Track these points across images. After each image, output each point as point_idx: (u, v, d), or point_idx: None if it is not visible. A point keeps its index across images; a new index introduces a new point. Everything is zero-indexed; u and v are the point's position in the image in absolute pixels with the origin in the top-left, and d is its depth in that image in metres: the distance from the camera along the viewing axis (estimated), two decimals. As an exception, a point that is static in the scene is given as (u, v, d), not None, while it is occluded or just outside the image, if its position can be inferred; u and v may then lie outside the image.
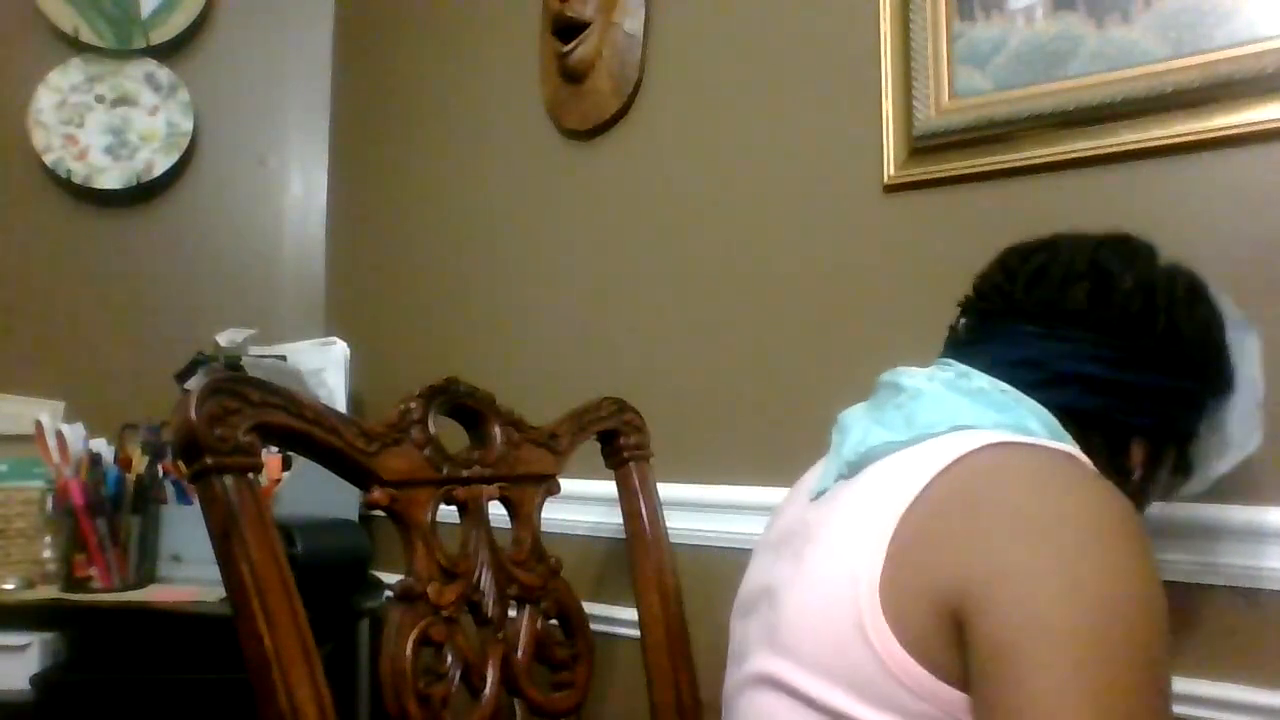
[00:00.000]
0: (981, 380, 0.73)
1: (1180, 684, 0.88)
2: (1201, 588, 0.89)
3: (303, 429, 0.82)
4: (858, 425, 0.75)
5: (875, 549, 0.63)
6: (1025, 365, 0.73)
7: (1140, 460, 0.75)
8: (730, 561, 1.17)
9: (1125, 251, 0.76)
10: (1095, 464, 0.69)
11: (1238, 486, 0.87)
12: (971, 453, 0.65)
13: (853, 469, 0.73)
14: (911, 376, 0.76)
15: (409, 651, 0.85)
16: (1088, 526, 0.59)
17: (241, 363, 1.69)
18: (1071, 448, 0.69)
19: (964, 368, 0.75)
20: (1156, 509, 0.88)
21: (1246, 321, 0.78)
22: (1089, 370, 0.72)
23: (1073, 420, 0.72)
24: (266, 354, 1.76)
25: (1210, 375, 0.76)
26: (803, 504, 0.79)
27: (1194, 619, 0.89)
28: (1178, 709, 0.88)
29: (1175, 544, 0.90)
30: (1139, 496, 0.76)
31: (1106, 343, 0.73)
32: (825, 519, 0.72)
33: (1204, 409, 0.76)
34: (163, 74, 2.00)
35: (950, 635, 0.59)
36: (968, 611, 0.58)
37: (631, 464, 1.16)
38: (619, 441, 1.17)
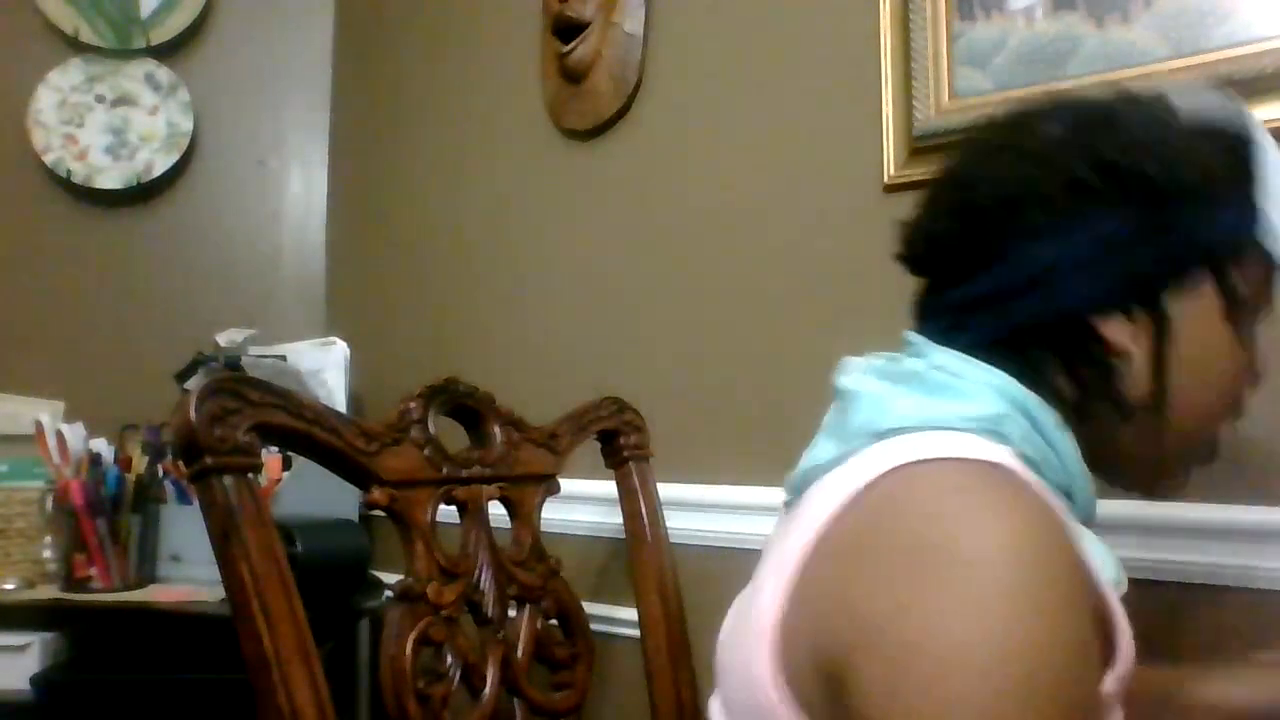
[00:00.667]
0: (913, 360, 0.61)
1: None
2: (1202, 588, 0.89)
3: (302, 429, 0.82)
4: (816, 438, 0.65)
5: (777, 591, 0.54)
6: (957, 310, 0.61)
7: (1127, 337, 0.57)
8: (730, 562, 1.17)
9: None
10: (1052, 389, 0.58)
11: (1238, 486, 0.87)
12: (879, 477, 0.53)
13: (794, 494, 0.64)
14: (848, 373, 0.64)
15: (409, 651, 0.85)
16: (984, 571, 0.45)
17: (241, 363, 1.69)
18: (1002, 451, 0.54)
19: (912, 342, 0.63)
20: (1156, 510, 0.88)
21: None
22: (993, 280, 0.59)
23: (1013, 353, 0.59)
24: (266, 354, 1.76)
25: (1184, 174, 0.57)
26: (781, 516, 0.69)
27: (1194, 619, 0.89)
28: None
29: (1175, 544, 0.90)
30: (1155, 386, 0.58)
31: (1012, 227, 0.59)
32: (768, 547, 0.64)
33: (1206, 208, 0.57)
34: (163, 74, 2.00)
35: (833, 698, 0.49)
36: (842, 676, 0.48)
37: (631, 464, 1.16)
38: (619, 441, 1.17)
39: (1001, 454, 0.53)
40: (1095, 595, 0.51)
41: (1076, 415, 0.59)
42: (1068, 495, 0.58)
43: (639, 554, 1.14)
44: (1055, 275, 0.57)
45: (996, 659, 0.43)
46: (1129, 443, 0.60)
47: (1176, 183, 0.57)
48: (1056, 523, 0.48)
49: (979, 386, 0.57)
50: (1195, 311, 0.58)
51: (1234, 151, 0.59)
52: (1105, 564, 0.55)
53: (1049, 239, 0.57)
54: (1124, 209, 0.57)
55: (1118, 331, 0.57)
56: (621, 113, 1.45)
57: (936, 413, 0.56)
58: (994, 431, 0.55)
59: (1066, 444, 0.58)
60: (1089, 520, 0.60)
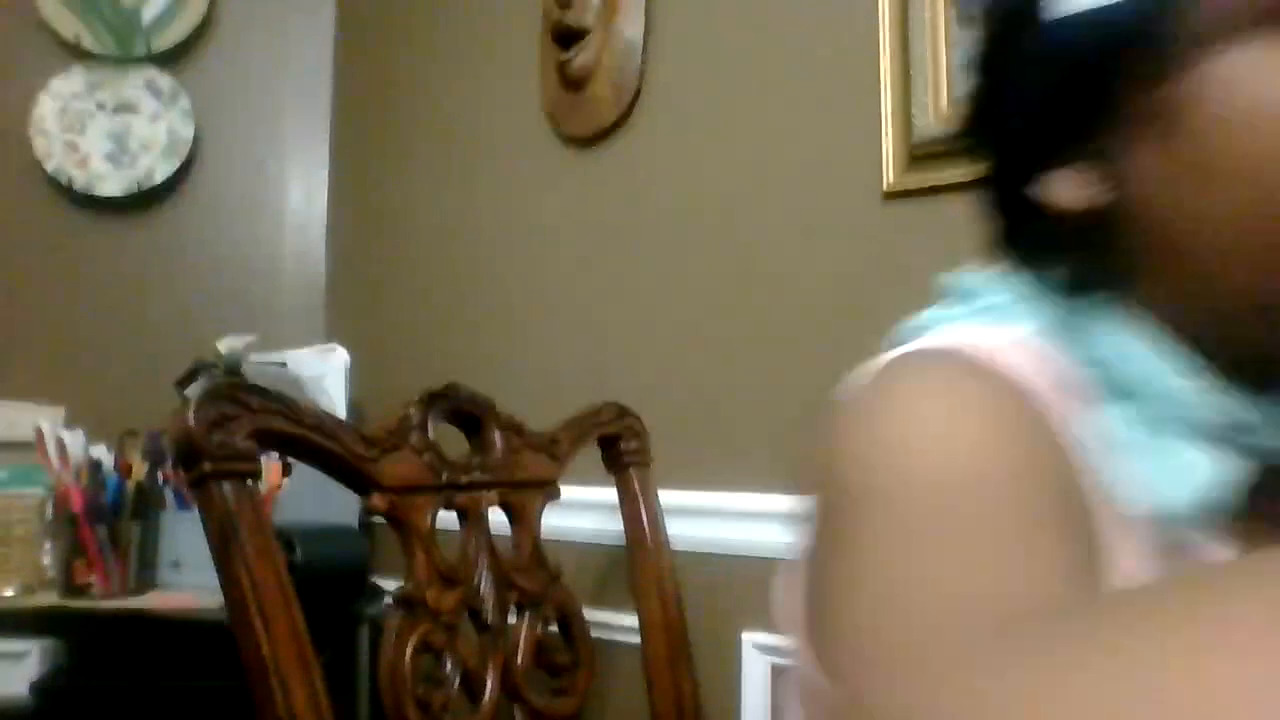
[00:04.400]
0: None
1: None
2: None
3: (302, 435, 0.82)
4: None
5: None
6: None
7: (1083, 183, 0.45)
8: (731, 568, 1.17)
9: None
10: (1065, 274, 0.46)
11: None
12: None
13: None
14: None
15: (408, 658, 0.85)
16: (871, 407, 0.41)
17: (242, 370, 1.69)
18: (966, 333, 0.47)
19: None
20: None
21: None
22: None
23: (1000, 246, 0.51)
24: (267, 361, 1.76)
25: None
26: None
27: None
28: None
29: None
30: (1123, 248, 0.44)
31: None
32: None
33: None
34: (164, 81, 2.00)
35: None
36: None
37: (632, 470, 1.16)
38: (619, 447, 1.17)
39: (984, 339, 0.45)
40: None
41: (1118, 287, 0.45)
42: (1148, 390, 0.43)
43: (639, 560, 1.13)
44: (992, 158, 0.50)
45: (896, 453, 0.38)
46: (1175, 293, 0.44)
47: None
48: (989, 405, 0.40)
49: (990, 284, 0.50)
50: (1139, 116, 0.43)
51: None
52: (1177, 477, 0.41)
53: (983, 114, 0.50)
54: (993, 60, 0.48)
55: (1053, 188, 0.46)
56: (621, 120, 1.45)
57: (950, 305, 0.51)
58: (998, 313, 0.48)
59: (1121, 326, 0.44)
60: (1205, 425, 0.42)
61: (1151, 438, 0.42)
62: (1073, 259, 0.46)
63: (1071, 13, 0.42)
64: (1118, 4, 0.41)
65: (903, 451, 0.38)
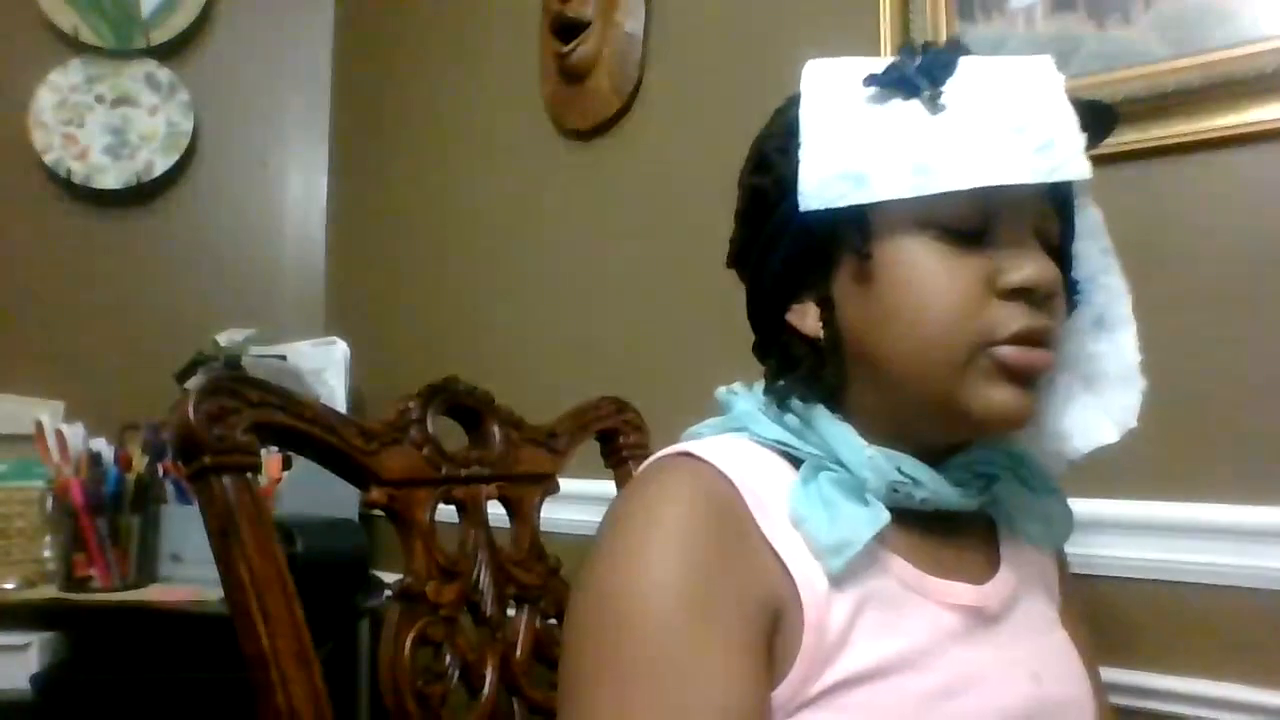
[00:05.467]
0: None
1: (1181, 684, 0.88)
2: (1202, 587, 0.89)
3: (301, 428, 0.82)
4: None
5: None
6: None
7: (815, 315, 0.64)
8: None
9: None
10: (778, 383, 0.66)
11: (1239, 487, 0.86)
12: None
13: None
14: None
15: (408, 651, 0.85)
16: (616, 526, 0.59)
17: (241, 362, 1.69)
18: (703, 441, 0.64)
19: None
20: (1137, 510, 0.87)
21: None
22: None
23: (765, 356, 0.71)
24: (266, 354, 1.76)
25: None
26: None
27: (1194, 619, 0.89)
28: (1180, 709, 0.88)
29: (1175, 544, 0.90)
30: (865, 362, 0.62)
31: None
32: None
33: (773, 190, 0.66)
34: (163, 74, 2.00)
35: None
36: None
37: (631, 464, 1.16)
38: (618, 441, 1.16)
39: (718, 445, 0.62)
40: (756, 573, 0.56)
41: (828, 393, 0.64)
42: (839, 463, 0.61)
43: (638, 554, 1.13)
44: (751, 292, 0.71)
45: (607, 596, 0.56)
46: (874, 397, 0.63)
47: (760, 180, 0.68)
48: (702, 498, 0.57)
49: (738, 398, 0.69)
50: (847, 275, 0.62)
51: (784, 116, 0.67)
52: (836, 528, 0.57)
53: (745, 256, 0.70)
54: (754, 221, 0.69)
55: (795, 317, 0.65)
56: (622, 112, 1.45)
57: (704, 425, 0.70)
58: (734, 428, 0.66)
59: (820, 419, 0.63)
60: (899, 487, 0.61)
61: (827, 507, 0.58)
62: (805, 368, 0.64)
63: (811, 209, 0.60)
64: (841, 208, 0.59)
65: (615, 596, 0.55)
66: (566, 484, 1.10)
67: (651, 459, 0.65)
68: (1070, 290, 0.66)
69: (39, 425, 1.57)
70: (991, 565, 0.67)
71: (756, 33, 1.29)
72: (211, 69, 2.05)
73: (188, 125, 2.00)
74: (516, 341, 1.59)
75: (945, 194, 0.57)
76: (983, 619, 0.62)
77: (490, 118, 1.69)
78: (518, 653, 0.98)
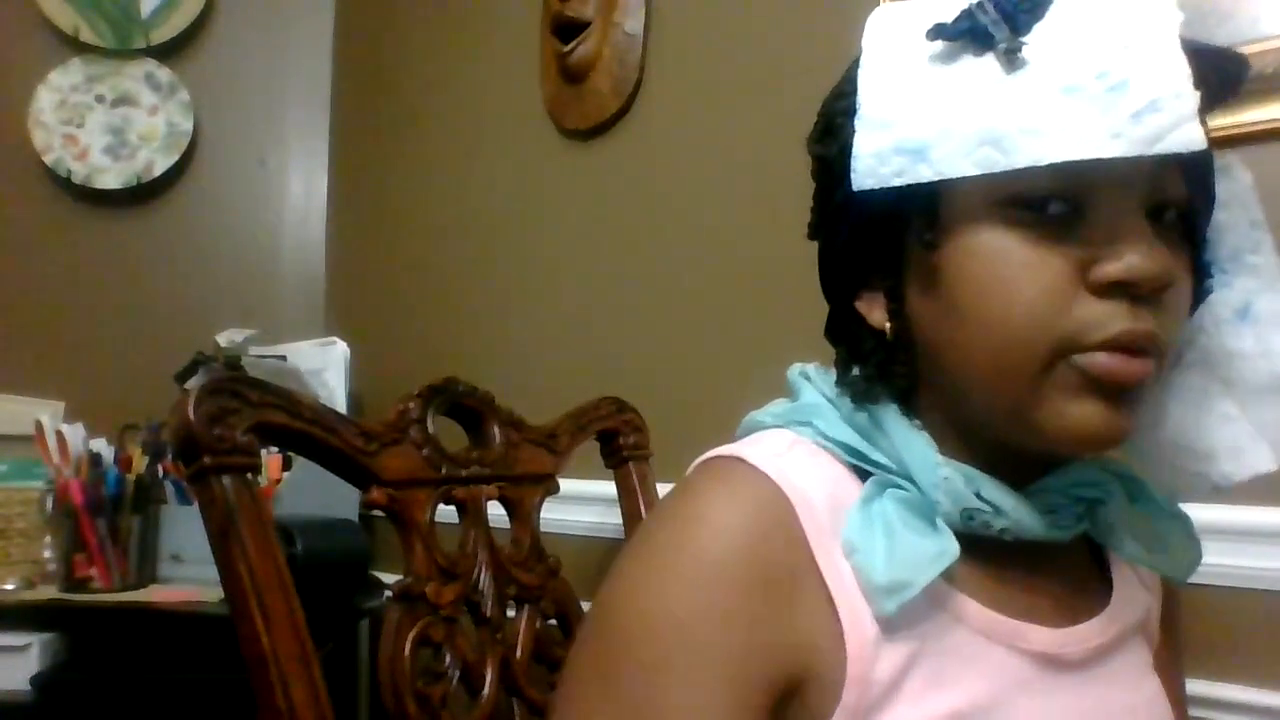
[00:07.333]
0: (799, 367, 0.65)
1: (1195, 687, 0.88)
2: (1202, 588, 0.89)
3: (301, 429, 0.82)
4: None
5: None
6: None
7: (882, 307, 0.56)
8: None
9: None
10: (849, 374, 0.58)
11: (1239, 488, 0.86)
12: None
13: None
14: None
15: (407, 651, 0.85)
16: (639, 540, 0.55)
17: (241, 363, 1.69)
18: (760, 444, 0.57)
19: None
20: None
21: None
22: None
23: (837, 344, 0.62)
24: (266, 354, 1.76)
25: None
26: None
27: (1194, 619, 0.89)
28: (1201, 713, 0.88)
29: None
30: (935, 350, 0.54)
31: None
32: None
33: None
34: (162, 74, 2.00)
35: None
36: None
37: (631, 464, 1.16)
38: (618, 441, 1.16)
39: (776, 449, 0.55)
40: (795, 617, 0.50)
41: (899, 395, 0.56)
42: (910, 479, 0.54)
43: (638, 554, 1.13)
44: (822, 270, 0.64)
45: (618, 611, 0.53)
46: (948, 405, 0.55)
47: (825, 148, 0.60)
48: (746, 525, 0.51)
49: (808, 385, 0.62)
50: (916, 265, 0.54)
51: (851, 73, 0.59)
52: (893, 565, 0.49)
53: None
54: (823, 193, 0.61)
55: (864, 306, 0.58)
56: (621, 113, 1.45)
57: (766, 412, 0.62)
58: (799, 421, 0.59)
59: (891, 422, 0.55)
60: (965, 506, 0.53)
61: (888, 535, 0.50)
62: (874, 364, 0.56)
63: (865, 188, 0.52)
64: (905, 187, 0.50)
65: (624, 613, 0.52)
66: (566, 484, 1.09)
67: (703, 459, 0.58)
68: (1204, 272, 0.56)
69: (39, 425, 1.57)
70: (1090, 605, 0.58)
71: (757, 33, 1.29)
72: (212, 69, 2.05)
73: (188, 125, 2.00)
74: (516, 341, 1.59)
75: (1023, 170, 0.47)
76: (1061, 667, 0.54)
77: (490, 117, 1.69)
78: (518, 653, 0.98)
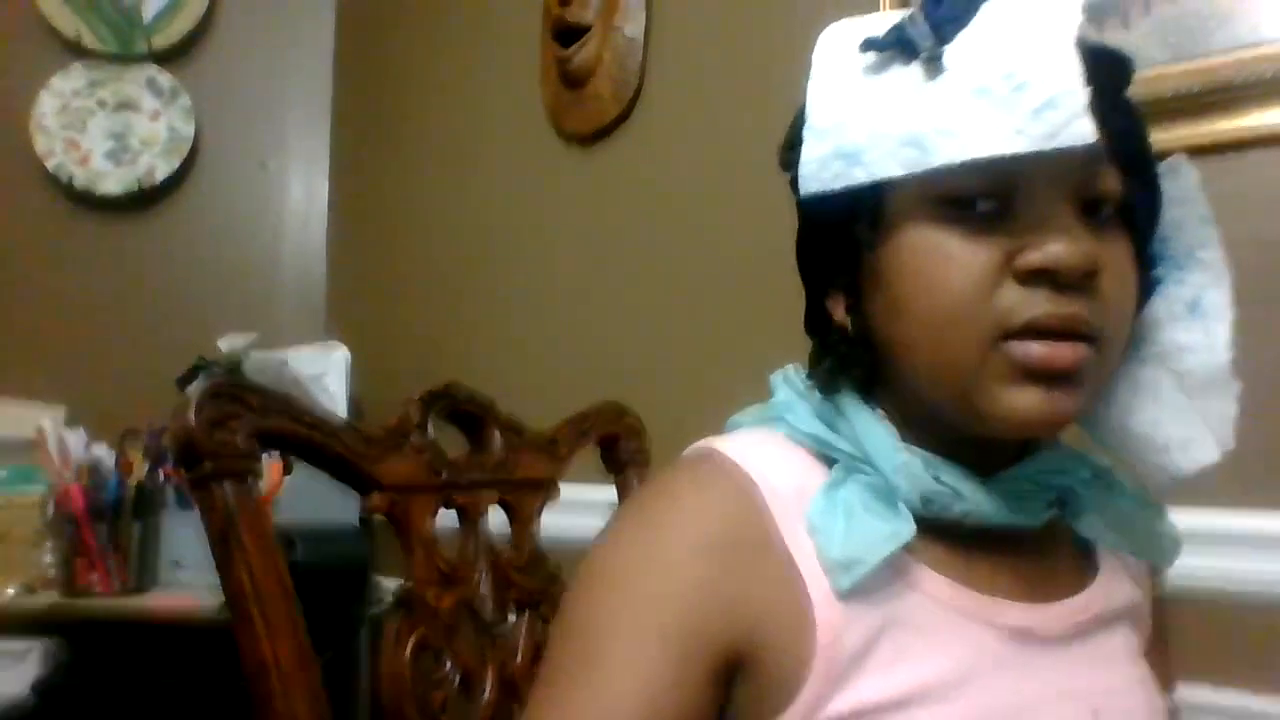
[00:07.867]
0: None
1: (1180, 690, 0.88)
2: (1202, 592, 0.89)
3: (302, 434, 0.81)
4: None
5: None
6: None
7: (842, 305, 0.60)
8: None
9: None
10: (816, 370, 0.61)
11: (1240, 490, 0.86)
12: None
13: None
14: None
15: (407, 657, 0.85)
16: (625, 515, 0.62)
17: (242, 368, 1.69)
18: (732, 437, 0.62)
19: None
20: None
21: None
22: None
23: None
24: (267, 359, 1.76)
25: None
26: None
27: (1195, 625, 0.89)
28: None
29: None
30: (890, 346, 0.56)
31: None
32: None
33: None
34: (164, 79, 2.00)
35: None
36: None
37: (631, 469, 1.16)
38: (619, 447, 1.16)
39: (748, 441, 0.60)
40: (763, 588, 0.53)
41: (860, 386, 0.59)
42: (871, 464, 0.56)
43: (639, 559, 1.13)
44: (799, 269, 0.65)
45: (594, 575, 0.57)
46: (905, 397, 0.58)
47: (789, 154, 0.61)
48: (716, 505, 0.55)
49: (781, 385, 0.65)
50: (867, 263, 0.57)
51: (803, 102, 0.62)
52: (849, 543, 0.52)
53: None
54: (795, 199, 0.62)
55: (831, 303, 0.61)
56: (622, 117, 1.45)
57: (744, 414, 0.67)
58: (772, 418, 0.63)
59: (852, 410, 0.58)
60: (937, 495, 0.55)
61: (847, 517, 0.53)
62: (835, 357, 0.60)
63: (810, 192, 0.56)
64: (853, 190, 0.54)
65: (598, 576, 0.58)
66: (567, 490, 1.09)
67: (682, 454, 0.63)
68: (1149, 264, 0.58)
69: (40, 431, 1.57)
70: (1070, 588, 0.59)
71: (756, 38, 1.29)
72: (213, 74, 2.05)
73: (189, 130, 2.00)
74: (517, 346, 1.59)
75: (947, 168, 0.50)
76: (1038, 644, 0.55)
77: (491, 122, 1.69)
78: (518, 659, 0.97)
